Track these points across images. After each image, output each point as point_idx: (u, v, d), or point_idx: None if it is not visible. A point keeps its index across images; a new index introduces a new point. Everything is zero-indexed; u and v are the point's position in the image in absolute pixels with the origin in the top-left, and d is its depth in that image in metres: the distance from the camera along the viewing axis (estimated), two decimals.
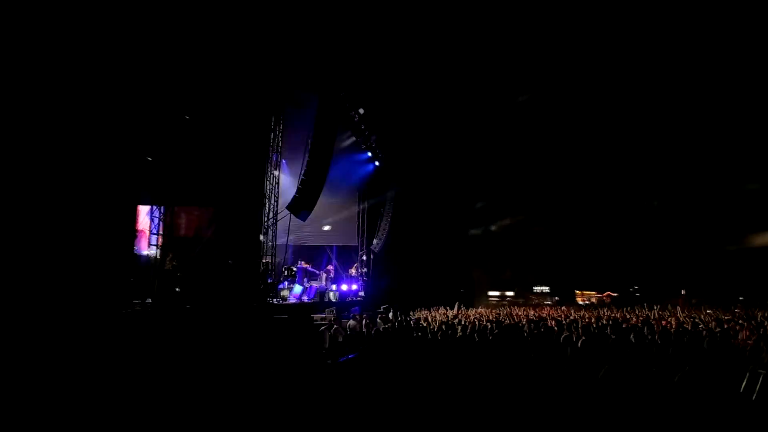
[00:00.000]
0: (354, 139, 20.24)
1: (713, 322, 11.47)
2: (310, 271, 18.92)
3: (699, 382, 3.31)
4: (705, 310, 19.64)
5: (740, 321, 11.90)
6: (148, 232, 13.60)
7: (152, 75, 12.17)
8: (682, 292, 39.44)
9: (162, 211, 13.55)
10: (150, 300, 12.21)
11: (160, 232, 13.47)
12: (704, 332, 8.84)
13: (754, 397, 5.09)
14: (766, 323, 10.70)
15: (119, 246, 11.74)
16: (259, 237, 14.01)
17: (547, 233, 39.04)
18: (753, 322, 11.14)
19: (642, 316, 14.49)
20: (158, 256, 13.38)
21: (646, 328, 9.59)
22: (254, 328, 11.31)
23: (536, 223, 38.73)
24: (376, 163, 22.91)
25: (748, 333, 9.02)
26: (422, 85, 25.50)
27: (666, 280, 39.90)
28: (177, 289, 12.67)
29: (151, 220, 13.63)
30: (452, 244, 34.53)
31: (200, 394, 5.85)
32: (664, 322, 11.81)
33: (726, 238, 34.88)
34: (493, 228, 39.01)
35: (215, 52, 12.98)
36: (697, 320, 12.15)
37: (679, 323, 11.37)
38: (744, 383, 6.45)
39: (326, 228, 21.76)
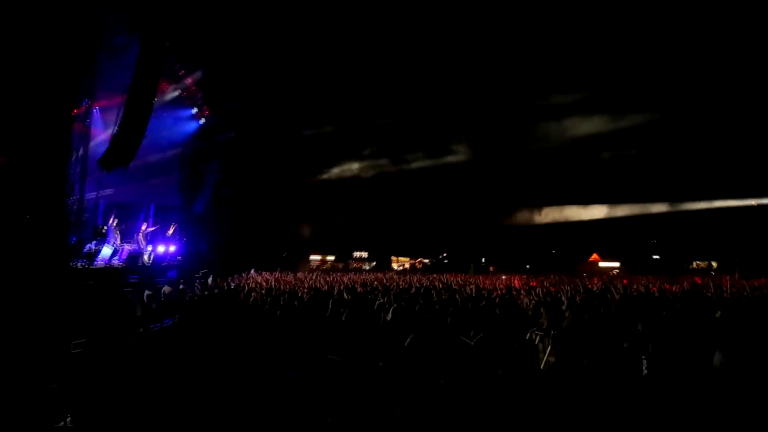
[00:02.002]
0: (178, 93, 18.96)
1: (504, 289, 13.33)
2: (122, 230, 17.43)
3: (493, 343, 3.95)
4: (501, 276, 22.76)
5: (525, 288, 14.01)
6: None
7: None
8: (482, 260, 45.05)
9: None
10: None
11: None
12: (497, 298, 10.24)
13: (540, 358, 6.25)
14: (543, 291, 12.68)
15: None
16: (62, 191, 12.56)
17: (367, 200, 41.03)
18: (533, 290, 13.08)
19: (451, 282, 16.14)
20: None
21: (448, 294, 10.82)
22: (53, 296, 10.24)
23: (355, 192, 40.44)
24: (202, 120, 21.79)
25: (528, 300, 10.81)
26: (254, 37, 24.43)
27: (469, 249, 45.32)
28: None
29: None
30: (275, 207, 34.49)
31: None
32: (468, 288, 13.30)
33: (517, 215, 40.37)
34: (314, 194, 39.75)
35: None
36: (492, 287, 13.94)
37: (478, 290, 12.89)
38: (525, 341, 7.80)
39: None
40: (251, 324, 7.48)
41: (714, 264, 40.33)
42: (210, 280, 15.15)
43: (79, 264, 13.17)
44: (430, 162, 37.64)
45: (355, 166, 38.90)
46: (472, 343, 5.06)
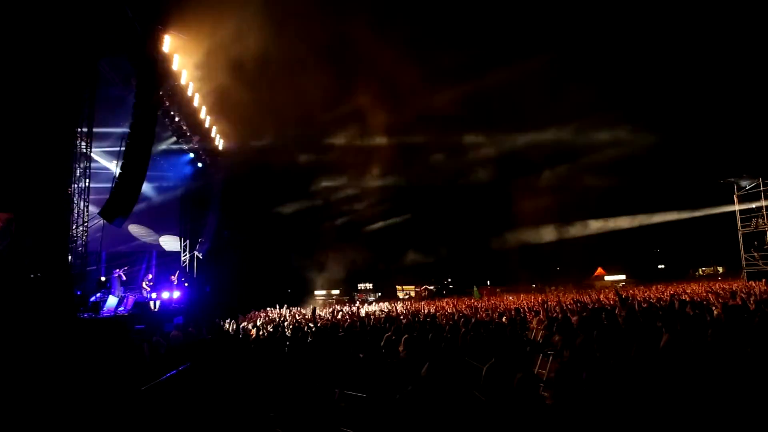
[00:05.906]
0: (174, 139, 19.19)
1: (513, 311, 13.18)
2: (126, 279, 17.41)
3: (505, 368, 3.91)
4: (507, 297, 22.65)
5: (534, 308, 13.89)
6: None
7: None
8: (488, 282, 44.92)
9: None
10: None
11: None
12: (506, 321, 10.17)
13: (545, 376, 6.20)
14: (552, 313, 12.54)
15: None
16: (65, 245, 12.62)
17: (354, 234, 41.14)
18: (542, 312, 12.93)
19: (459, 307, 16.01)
20: None
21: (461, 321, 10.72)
22: (61, 348, 10.14)
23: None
24: (199, 165, 22.01)
25: (538, 321, 10.73)
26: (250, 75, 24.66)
27: (473, 273, 45.32)
28: None
29: None
30: (276, 245, 34.60)
31: None
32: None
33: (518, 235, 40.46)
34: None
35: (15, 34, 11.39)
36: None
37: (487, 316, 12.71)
38: (537, 365, 7.73)
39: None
40: (262, 365, 7.43)
41: (720, 269, 40.15)
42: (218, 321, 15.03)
43: (85, 316, 13.13)
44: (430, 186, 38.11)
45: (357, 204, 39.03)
46: (484, 368, 5.00)
